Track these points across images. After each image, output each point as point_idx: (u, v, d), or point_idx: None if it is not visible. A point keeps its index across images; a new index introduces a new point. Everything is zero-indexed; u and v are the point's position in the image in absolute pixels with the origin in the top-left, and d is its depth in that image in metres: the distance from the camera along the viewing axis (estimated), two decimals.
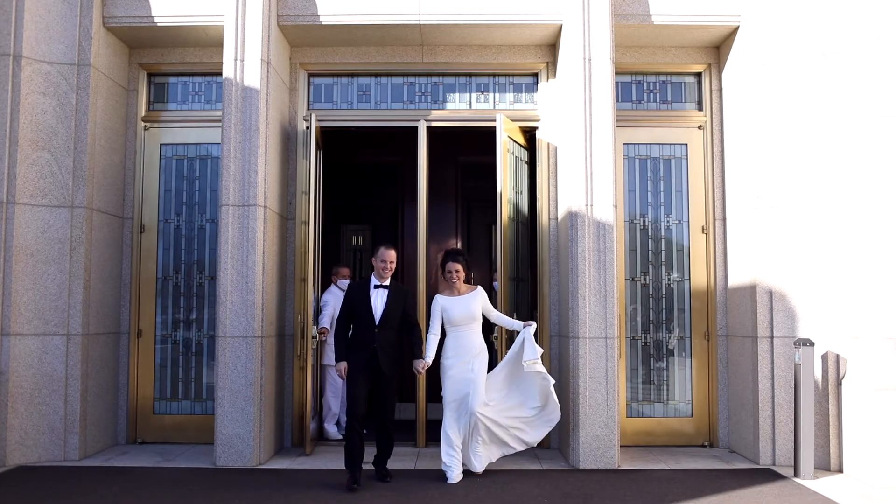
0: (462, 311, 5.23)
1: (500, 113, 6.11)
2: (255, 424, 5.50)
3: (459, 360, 5.20)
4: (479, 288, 5.38)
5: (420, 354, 5.18)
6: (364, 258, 9.56)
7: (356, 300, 5.06)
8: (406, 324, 5.19)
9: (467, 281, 5.38)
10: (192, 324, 6.41)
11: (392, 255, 5.09)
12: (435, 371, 5.37)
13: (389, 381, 5.07)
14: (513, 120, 6.43)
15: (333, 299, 6.51)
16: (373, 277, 5.14)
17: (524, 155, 6.52)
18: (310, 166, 6.05)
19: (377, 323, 5.00)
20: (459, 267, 5.32)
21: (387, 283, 5.09)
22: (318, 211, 6.16)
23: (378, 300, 5.04)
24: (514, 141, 6.29)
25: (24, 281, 5.53)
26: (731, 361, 6.11)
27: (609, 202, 5.62)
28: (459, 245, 8.63)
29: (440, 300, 5.30)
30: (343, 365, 5.02)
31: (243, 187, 5.61)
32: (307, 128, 6.16)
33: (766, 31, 5.71)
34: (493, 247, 6.41)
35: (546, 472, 5.29)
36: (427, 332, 5.32)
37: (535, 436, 5.36)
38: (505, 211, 6.01)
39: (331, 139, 6.79)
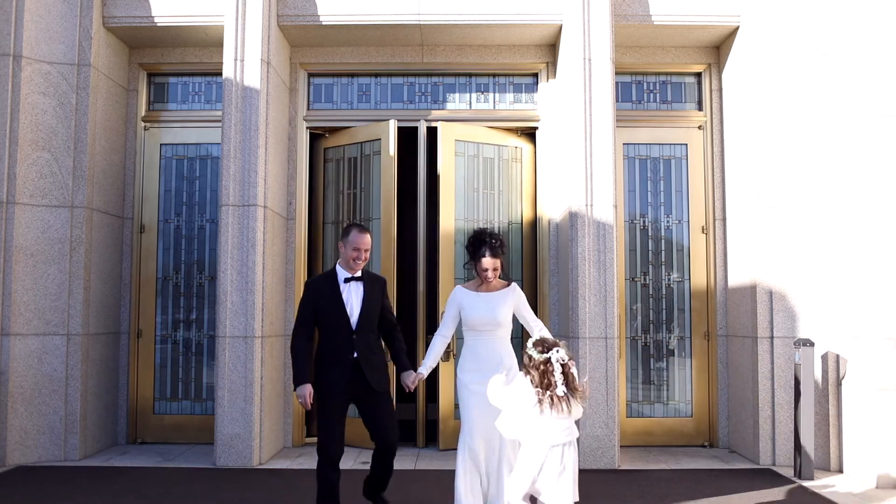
0: (485, 312, 4.03)
1: (440, 122, 6.20)
2: (255, 424, 5.50)
3: (482, 375, 3.87)
4: (515, 286, 4.18)
5: (407, 365, 4.06)
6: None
7: (322, 299, 3.92)
8: (385, 323, 4.10)
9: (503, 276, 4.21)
10: (192, 324, 6.41)
11: (368, 241, 3.96)
12: (436, 371, 5.31)
13: (383, 398, 3.96)
14: (512, 120, 6.45)
15: None
16: (339, 268, 4.00)
17: (514, 154, 6.49)
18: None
19: (354, 327, 3.90)
20: (498, 264, 4.05)
21: (358, 273, 4.00)
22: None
23: (353, 296, 3.94)
24: (482, 143, 6.34)
25: (24, 281, 5.53)
26: (731, 361, 6.11)
27: (609, 202, 5.62)
28: None
29: (459, 294, 4.13)
30: (307, 390, 3.81)
31: (243, 187, 5.61)
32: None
33: (766, 31, 5.71)
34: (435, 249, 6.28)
35: None
36: (436, 332, 4.22)
37: None
38: (447, 213, 6.09)
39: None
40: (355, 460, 5.60)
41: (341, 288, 3.95)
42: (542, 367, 3.28)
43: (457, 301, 4.11)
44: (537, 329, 4.02)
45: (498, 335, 4.07)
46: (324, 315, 3.92)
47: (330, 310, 3.91)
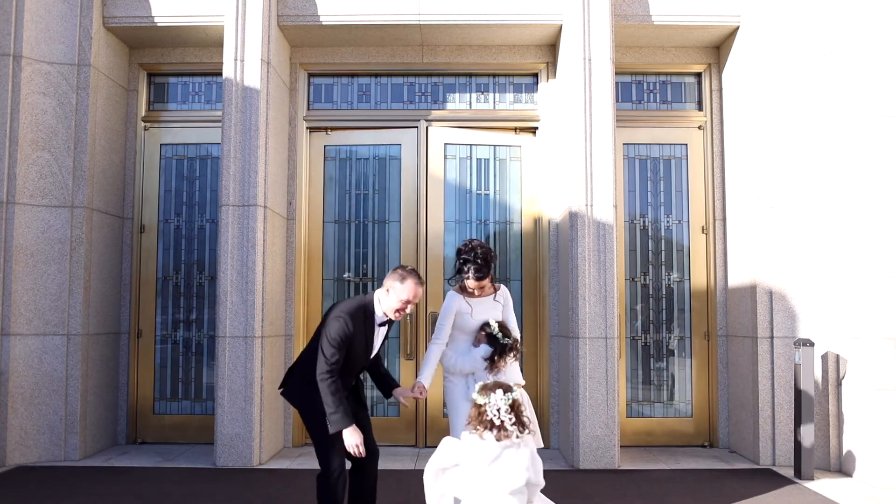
0: (480, 318, 4.08)
1: (429, 126, 6.35)
2: (255, 424, 5.50)
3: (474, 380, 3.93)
4: (505, 290, 4.23)
5: (394, 382, 3.99)
6: None
7: (359, 338, 3.60)
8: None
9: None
10: (192, 324, 6.41)
11: (421, 293, 3.68)
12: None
13: (365, 411, 3.86)
14: (512, 120, 6.46)
15: None
16: (376, 306, 3.65)
17: (511, 154, 6.50)
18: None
19: (366, 364, 3.81)
20: (485, 284, 4.04)
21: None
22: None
23: (378, 339, 3.76)
24: (475, 144, 6.43)
25: (24, 281, 5.53)
26: (731, 361, 6.11)
27: (609, 202, 5.62)
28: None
29: (455, 302, 4.06)
30: (359, 434, 3.48)
31: (243, 187, 5.61)
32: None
33: (766, 31, 5.71)
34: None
35: (546, 472, 5.26)
36: (431, 340, 4.14)
37: None
38: (436, 216, 6.24)
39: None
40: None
41: (375, 332, 3.69)
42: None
43: (453, 308, 4.06)
44: (513, 333, 4.07)
45: None
46: (353, 354, 3.61)
47: (357, 351, 3.62)
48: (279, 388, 3.86)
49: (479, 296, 4.10)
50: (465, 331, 4.08)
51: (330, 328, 3.53)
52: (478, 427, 3.00)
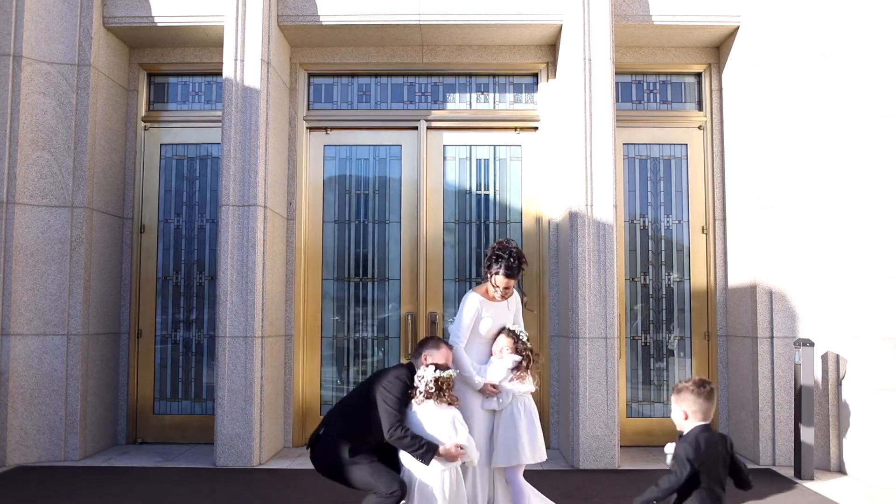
0: (499, 322, 4.04)
1: (427, 131, 6.39)
2: (255, 424, 5.50)
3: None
4: (516, 293, 4.18)
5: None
6: None
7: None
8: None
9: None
10: (192, 324, 6.41)
11: (452, 359, 3.87)
12: None
13: None
14: (512, 120, 6.46)
15: None
16: (417, 378, 3.79)
17: (511, 154, 6.51)
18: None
19: None
20: (511, 286, 3.96)
21: None
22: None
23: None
24: (475, 145, 6.48)
25: (24, 281, 5.53)
26: (731, 361, 6.11)
27: (609, 202, 5.62)
28: None
29: (477, 303, 3.97)
30: (450, 443, 3.62)
31: (243, 187, 5.61)
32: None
33: (766, 31, 5.71)
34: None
35: (546, 472, 5.29)
36: (454, 343, 3.96)
37: None
38: (434, 217, 6.32)
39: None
40: None
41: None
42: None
43: (476, 309, 3.96)
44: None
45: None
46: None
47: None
48: (306, 445, 3.85)
49: (501, 299, 3.99)
50: (482, 335, 4.00)
51: (393, 388, 3.71)
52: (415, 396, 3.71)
